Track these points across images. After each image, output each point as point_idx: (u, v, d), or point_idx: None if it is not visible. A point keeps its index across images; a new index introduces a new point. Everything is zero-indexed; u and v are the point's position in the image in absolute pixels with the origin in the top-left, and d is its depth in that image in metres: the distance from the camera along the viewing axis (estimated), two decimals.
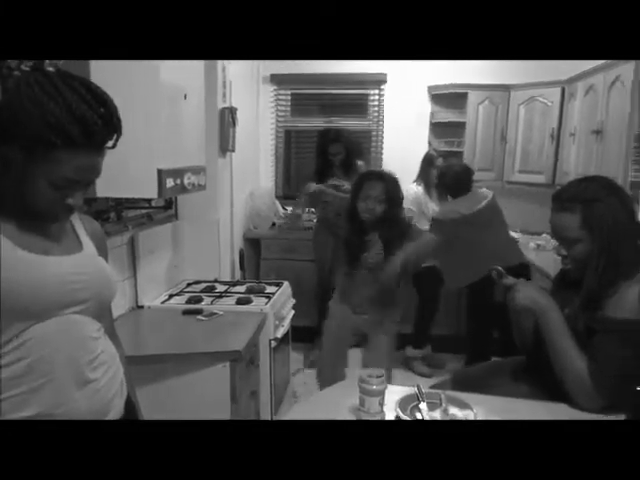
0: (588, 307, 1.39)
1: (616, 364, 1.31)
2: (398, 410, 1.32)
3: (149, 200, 2.26)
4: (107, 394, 1.09)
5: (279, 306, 2.47)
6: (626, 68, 2.73)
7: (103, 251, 1.19)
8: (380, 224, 2.25)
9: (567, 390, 1.38)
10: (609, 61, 2.91)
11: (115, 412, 1.11)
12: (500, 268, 1.58)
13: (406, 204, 3.39)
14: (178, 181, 1.90)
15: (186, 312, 2.21)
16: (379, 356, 2.37)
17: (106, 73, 1.56)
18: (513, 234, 3.72)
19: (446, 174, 3.06)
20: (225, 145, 2.93)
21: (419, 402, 1.36)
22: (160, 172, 1.78)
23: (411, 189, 3.50)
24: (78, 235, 1.12)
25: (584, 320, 1.39)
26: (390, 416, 1.33)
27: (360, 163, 3.57)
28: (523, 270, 2.73)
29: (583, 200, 1.37)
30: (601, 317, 1.36)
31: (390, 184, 2.24)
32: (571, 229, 1.39)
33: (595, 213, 1.35)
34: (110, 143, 0.99)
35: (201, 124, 2.18)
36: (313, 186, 3.45)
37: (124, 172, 1.74)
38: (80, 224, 1.14)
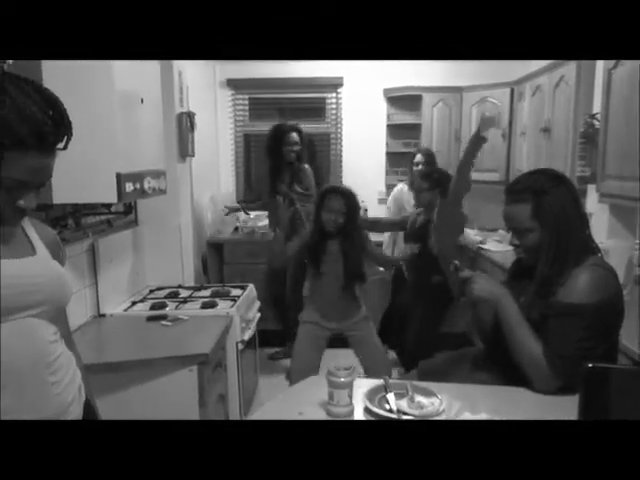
0: (541, 294, 1.46)
1: (569, 346, 1.38)
2: (366, 401, 1.35)
3: (108, 206, 2.23)
4: (66, 398, 1.08)
5: (245, 309, 2.46)
6: (569, 69, 2.87)
7: (58, 256, 1.17)
8: (340, 234, 2.44)
9: (525, 374, 1.44)
10: (554, 62, 3.05)
11: (73, 417, 1.09)
12: (457, 262, 1.62)
13: (388, 202, 3.70)
14: (138, 185, 1.88)
15: (150, 318, 2.18)
16: (377, 357, 2.51)
17: (59, 77, 1.54)
18: (470, 231, 3.84)
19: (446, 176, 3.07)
20: (184, 150, 2.90)
21: (386, 393, 1.39)
22: (119, 176, 1.76)
23: (396, 188, 3.73)
24: (30, 239, 1.10)
25: (538, 307, 1.46)
26: (359, 408, 1.36)
27: (306, 167, 3.56)
28: None
29: (533, 191, 1.44)
30: (554, 303, 1.42)
31: (350, 199, 2.42)
32: (523, 219, 1.46)
33: (545, 203, 1.42)
34: (61, 145, 0.98)
35: (159, 128, 2.17)
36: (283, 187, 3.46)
37: (82, 177, 1.72)
38: (32, 228, 1.13)
